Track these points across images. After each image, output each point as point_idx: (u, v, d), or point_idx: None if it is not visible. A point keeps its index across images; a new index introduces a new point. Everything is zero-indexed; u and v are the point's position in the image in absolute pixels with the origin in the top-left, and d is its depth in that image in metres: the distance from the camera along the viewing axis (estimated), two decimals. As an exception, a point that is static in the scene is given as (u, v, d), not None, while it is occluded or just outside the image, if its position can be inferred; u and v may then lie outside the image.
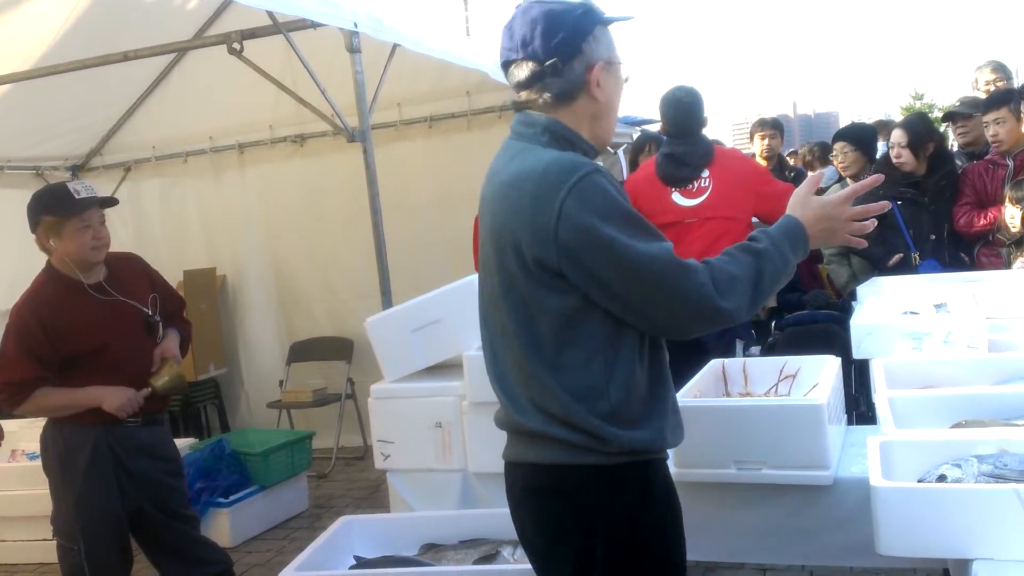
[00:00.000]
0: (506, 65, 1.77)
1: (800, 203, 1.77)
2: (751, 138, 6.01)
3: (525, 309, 1.67)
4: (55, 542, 3.07)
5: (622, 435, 1.65)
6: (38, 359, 2.89)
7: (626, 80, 1.81)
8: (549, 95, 1.72)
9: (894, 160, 4.37)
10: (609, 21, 1.75)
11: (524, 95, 1.75)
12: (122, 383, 2.95)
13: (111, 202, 3.07)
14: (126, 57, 3.99)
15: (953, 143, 5.43)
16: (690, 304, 1.59)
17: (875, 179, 1.85)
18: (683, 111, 3.78)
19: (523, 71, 1.72)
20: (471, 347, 2.83)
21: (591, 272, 1.59)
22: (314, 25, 3.37)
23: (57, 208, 2.93)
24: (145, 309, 3.07)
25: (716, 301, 1.59)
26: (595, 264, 1.59)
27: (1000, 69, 5.14)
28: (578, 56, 1.71)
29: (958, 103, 5.02)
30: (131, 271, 3.13)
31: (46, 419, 3.07)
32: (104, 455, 2.96)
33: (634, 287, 1.59)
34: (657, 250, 1.58)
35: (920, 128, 4.52)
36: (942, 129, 5.56)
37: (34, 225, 2.98)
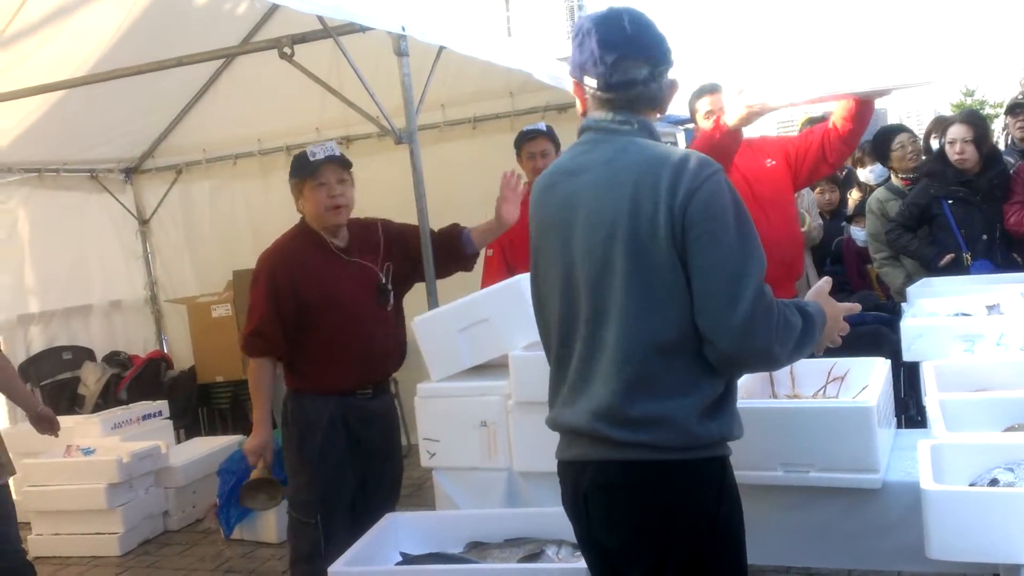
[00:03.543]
0: (622, 59, 1.78)
1: (825, 298, 1.93)
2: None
3: (655, 289, 1.69)
4: (289, 518, 3.18)
5: (710, 425, 1.71)
6: (280, 315, 3.03)
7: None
8: (647, 96, 1.81)
9: (956, 156, 4.25)
10: None
11: (630, 92, 1.79)
12: (346, 344, 3.06)
13: (345, 162, 3.14)
14: (180, 63, 4.07)
15: (999, 139, 5.31)
16: (751, 337, 1.65)
17: (852, 307, 2.01)
18: None
19: (641, 70, 1.78)
20: (517, 346, 2.84)
21: (691, 250, 1.66)
22: (363, 29, 3.41)
23: (296, 171, 3.11)
24: (380, 274, 3.17)
25: (772, 344, 1.67)
26: (699, 247, 1.66)
27: None
28: (669, 69, 1.82)
29: (1021, 96, 4.89)
30: (374, 236, 3.25)
31: (288, 392, 3.21)
32: (339, 428, 3.08)
33: (712, 290, 1.65)
34: (755, 272, 1.66)
35: (983, 124, 4.43)
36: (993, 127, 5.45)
37: (291, 189, 3.16)
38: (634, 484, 1.72)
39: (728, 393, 1.78)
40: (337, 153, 3.10)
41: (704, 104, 3.73)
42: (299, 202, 3.14)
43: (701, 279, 1.66)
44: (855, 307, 2.03)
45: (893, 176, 4.84)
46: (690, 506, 1.71)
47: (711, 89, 3.75)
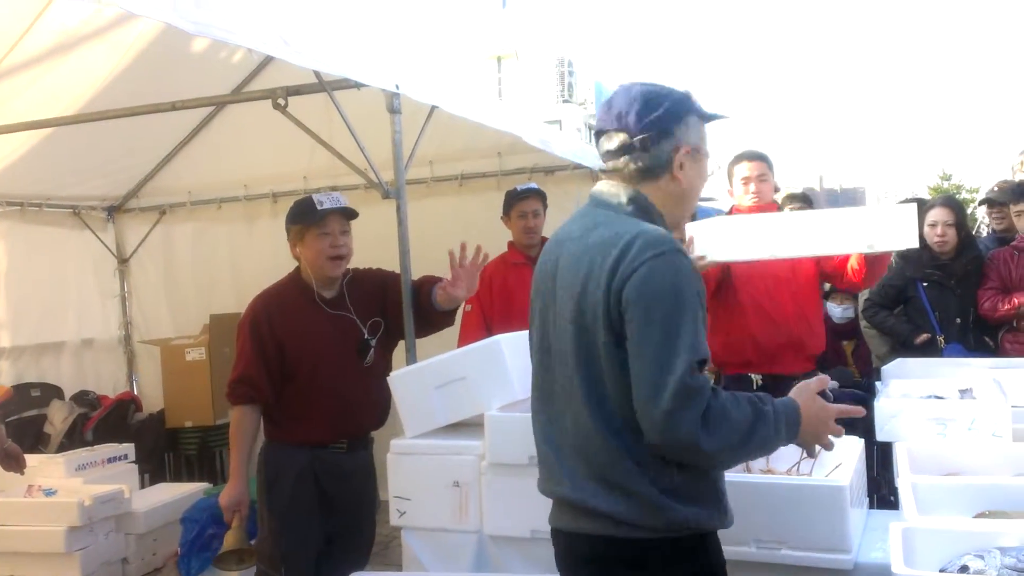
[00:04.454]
0: (599, 134, 1.87)
1: (809, 397, 1.82)
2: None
3: (599, 370, 1.71)
4: (256, 570, 3.11)
5: (682, 510, 1.67)
6: (266, 361, 3.00)
7: (711, 174, 1.92)
8: (636, 167, 1.82)
9: (937, 239, 4.33)
10: (707, 117, 1.86)
11: (611, 164, 1.86)
12: (321, 396, 3.04)
13: (351, 213, 3.16)
14: (174, 107, 4.09)
15: (981, 226, 5.42)
16: (674, 429, 1.59)
17: (850, 410, 1.87)
18: None
19: (613, 142, 1.83)
20: (493, 407, 2.83)
21: (627, 334, 1.65)
22: (358, 85, 3.45)
23: (299, 217, 3.10)
24: (363, 329, 3.14)
25: (697, 438, 1.59)
26: (631, 331, 1.64)
27: None
28: (667, 137, 1.81)
29: (996, 188, 5.01)
30: (367, 288, 3.24)
31: (264, 441, 3.14)
32: (308, 480, 3.04)
33: (639, 375, 1.62)
34: (682, 361, 1.59)
35: (962, 208, 4.54)
36: (968, 212, 5.57)
37: (287, 234, 3.15)
38: (615, 558, 1.72)
39: (714, 480, 1.74)
40: (344, 204, 3.12)
41: (742, 170, 3.76)
42: (296, 248, 3.14)
43: (632, 364, 1.64)
44: (855, 410, 1.87)
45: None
46: None
47: (750, 156, 3.67)
